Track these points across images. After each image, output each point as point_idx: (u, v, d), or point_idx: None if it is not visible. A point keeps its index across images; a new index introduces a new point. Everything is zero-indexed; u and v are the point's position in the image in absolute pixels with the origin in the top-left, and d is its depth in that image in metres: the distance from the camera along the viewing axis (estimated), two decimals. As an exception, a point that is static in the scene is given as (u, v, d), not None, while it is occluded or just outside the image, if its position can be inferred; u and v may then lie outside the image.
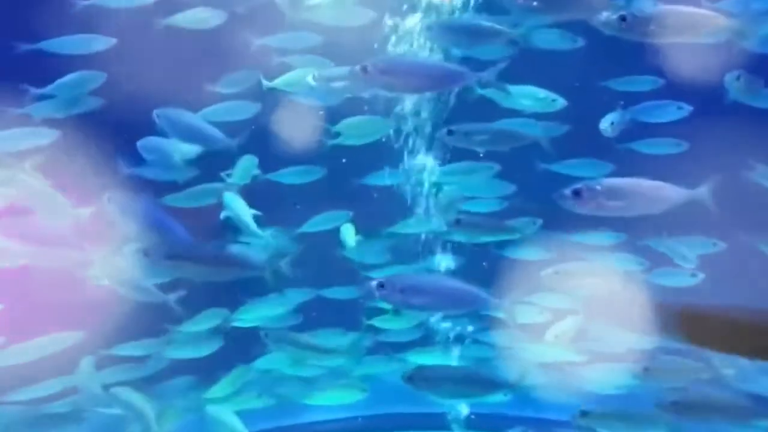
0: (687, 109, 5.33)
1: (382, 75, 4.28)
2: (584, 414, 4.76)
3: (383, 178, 5.79)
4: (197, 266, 4.03)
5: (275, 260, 4.26)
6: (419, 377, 4.44)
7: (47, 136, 4.70)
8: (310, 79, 4.94)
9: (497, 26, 4.63)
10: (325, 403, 5.84)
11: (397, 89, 4.75)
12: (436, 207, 5.60)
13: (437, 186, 5.73)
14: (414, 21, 5.25)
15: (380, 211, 5.84)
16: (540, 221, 5.64)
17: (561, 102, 5.10)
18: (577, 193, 3.90)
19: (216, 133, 4.85)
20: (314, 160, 5.55)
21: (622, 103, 5.31)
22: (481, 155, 5.51)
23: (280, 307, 5.65)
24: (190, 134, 4.82)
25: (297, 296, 5.73)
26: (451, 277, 5.61)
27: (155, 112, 4.71)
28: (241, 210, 5.09)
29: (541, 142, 5.09)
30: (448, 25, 4.85)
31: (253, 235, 5.05)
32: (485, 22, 4.72)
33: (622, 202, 3.95)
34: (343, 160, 5.61)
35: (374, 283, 4.05)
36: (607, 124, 5.30)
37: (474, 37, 4.69)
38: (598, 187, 3.91)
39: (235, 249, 4.15)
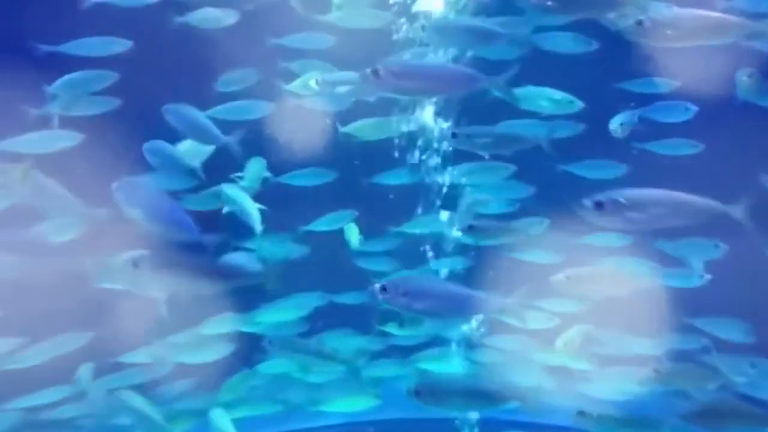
0: (693, 109, 5.28)
1: (394, 78, 4.20)
2: (581, 414, 4.73)
3: (397, 178, 5.72)
4: (189, 278, 3.89)
5: (273, 269, 4.15)
6: (425, 391, 4.37)
7: (71, 138, 4.69)
8: (313, 84, 4.86)
9: (493, 27, 4.58)
10: (338, 410, 5.77)
11: (409, 93, 4.67)
12: (455, 210, 5.53)
13: (457, 188, 5.68)
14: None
15: (396, 212, 5.78)
16: (547, 221, 5.57)
17: (578, 104, 5.05)
18: (599, 205, 3.72)
19: (216, 131, 4.82)
20: (327, 162, 5.49)
21: (633, 104, 5.26)
22: (486, 158, 5.46)
23: (293, 312, 5.59)
24: (197, 131, 4.78)
25: (310, 301, 5.66)
26: (455, 281, 5.56)
27: (164, 108, 4.69)
28: (246, 203, 5.00)
29: (542, 145, 5.03)
30: (444, 25, 4.76)
31: (254, 227, 4.97)
32: (481, 22, 4.68)
33: (647, 214, 3.76)
34: (356, 162, 5.56)
35: (377, 286, 3.95)
36: (616, 124, 5.27)
37: (470, 37, 4.64)
38: (622, 199, 3.71)
39: (229, 258, 4.02)
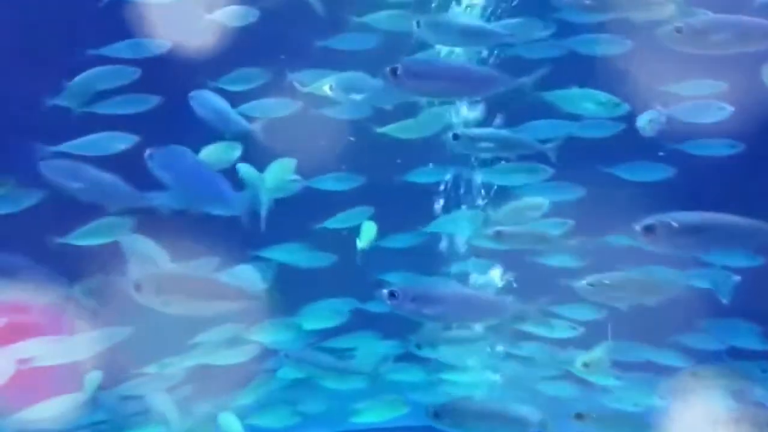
0: (728, 109, 5.13)
1: (413, 79, 4.05)
2: (579, 416, 4.66)
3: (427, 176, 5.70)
4: (189, 300, 3.75)
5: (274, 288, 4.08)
6: (445, 413, 4.30)
7: (127, 141, 4.69)
8: (327, 89, 4.75)
9: (490, 27, 4.51)
10: (366, 420, 5.66)
11: (429, 94, 4.55)
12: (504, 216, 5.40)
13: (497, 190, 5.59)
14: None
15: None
16: (571, 222, 5.43)
17: (624, 107, 4.92)
18: (649, 229, 3.53)
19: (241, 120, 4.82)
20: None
21: (659, 107, 5.10)
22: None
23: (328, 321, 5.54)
24: (219, 118, 4.74)
25: (342, 307, 5.61)
26: (467, 286, 5.46)
27: (190, 95, 4.70)
28: (259, 184, 4.84)
29: (547, 153, 4.93)
30: (439, 23, 4.63)
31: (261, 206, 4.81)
32: (477, 22, 4.63)
33: (699, 239, 3.57)
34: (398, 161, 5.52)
35: (385, 292, 3.86)
36: (644, 122, 5.13)
37: (465, 37, 4.52)
38: (674, 224, 3.51)
39: (229, 277, 3.91)
